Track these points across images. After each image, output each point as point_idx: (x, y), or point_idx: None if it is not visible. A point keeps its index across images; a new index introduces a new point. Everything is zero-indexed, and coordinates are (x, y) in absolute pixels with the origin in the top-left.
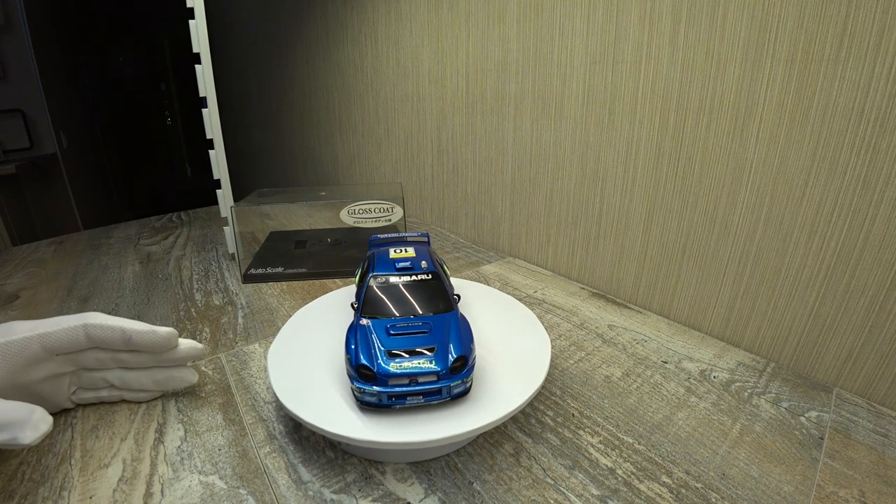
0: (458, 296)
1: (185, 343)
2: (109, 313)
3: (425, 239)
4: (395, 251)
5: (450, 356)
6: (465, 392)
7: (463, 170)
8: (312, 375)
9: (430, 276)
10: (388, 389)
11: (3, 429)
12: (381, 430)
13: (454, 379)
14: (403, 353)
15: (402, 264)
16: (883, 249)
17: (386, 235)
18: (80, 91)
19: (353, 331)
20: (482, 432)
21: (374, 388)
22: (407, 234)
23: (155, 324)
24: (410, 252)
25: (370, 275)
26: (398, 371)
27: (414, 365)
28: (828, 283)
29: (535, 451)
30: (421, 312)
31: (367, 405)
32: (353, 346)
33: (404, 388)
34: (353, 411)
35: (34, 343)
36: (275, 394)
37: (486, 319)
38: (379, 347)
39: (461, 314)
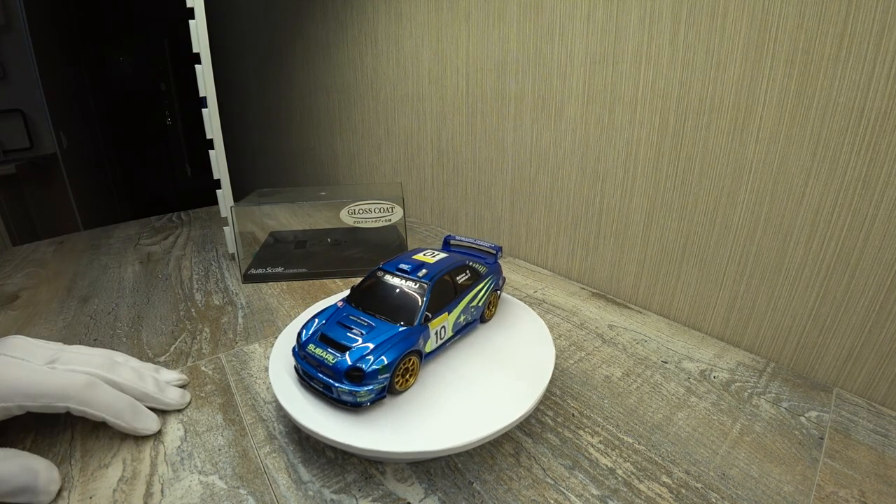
0: (429, 315)
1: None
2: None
3: (493, 251)
4: (423, 254)
5: (351, 363)
6: (355, 405)
7: (463, 170)
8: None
9: (415, 285)
10: (300, 363)
11: (19, 493)
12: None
13: (343, 385)
14: (330, 341)
15: (403, 266)
16: (883, 249)
17: (462, 238)
18: (80, 91)
19: (330, 307)
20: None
21: (295, 357)
22: (480, 242)
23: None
24: (430, 258)
25: (378, 267)
26: (310, 352)
27: (322, 354)
28: (828, 283)
29: (535, 451)
30: (378, 315)
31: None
32: (314, 317)
33: (309, 370)
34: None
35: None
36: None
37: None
38: (322, 326)
39: (416, 335)
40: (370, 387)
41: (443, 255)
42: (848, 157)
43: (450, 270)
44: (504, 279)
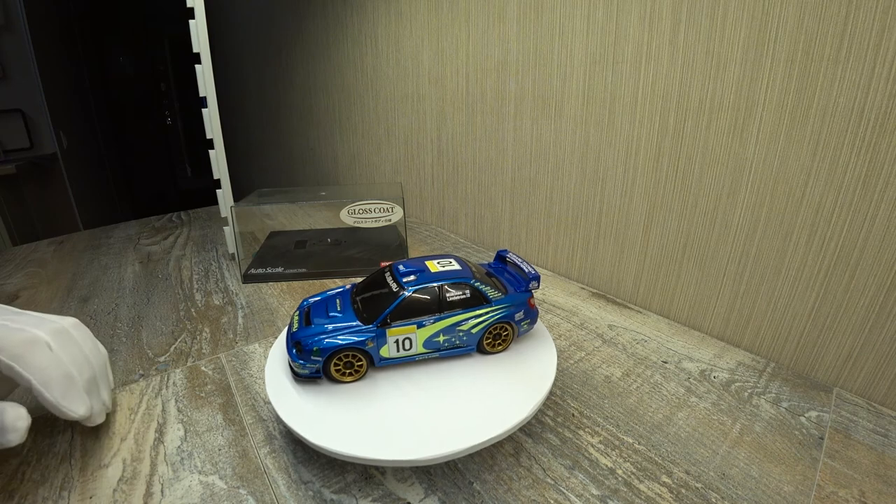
0: (389, 320)
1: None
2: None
3: (527, 276)
4: (437, 261)
5: (298, 337)
6: (293, 372)
7: (463, 170)
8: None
9: (396, 290)
10: (288, 324)
11: None
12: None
13: (291, 351)
14: (307, 314)
15: (402, 267)
16: (883, 249)
17: (514, 258)
18: (80, 91)
19: (340, 286)
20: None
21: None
22: (524, 265)
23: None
24: (436, 266)
25: (388, 264)
26: (293, 317)
27: (295, 321)
28: (828, 283)
29: (535, 451)
30: (354, 305)
31: None
32: (328, 290)
33: (289, 330)
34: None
35: None
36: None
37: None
38: (314, 303)
39: (367, 335)
40: (303, 362)
41: (456, 266)
42: (848, 157)
43: (443, 284)
44: (535, 313)
